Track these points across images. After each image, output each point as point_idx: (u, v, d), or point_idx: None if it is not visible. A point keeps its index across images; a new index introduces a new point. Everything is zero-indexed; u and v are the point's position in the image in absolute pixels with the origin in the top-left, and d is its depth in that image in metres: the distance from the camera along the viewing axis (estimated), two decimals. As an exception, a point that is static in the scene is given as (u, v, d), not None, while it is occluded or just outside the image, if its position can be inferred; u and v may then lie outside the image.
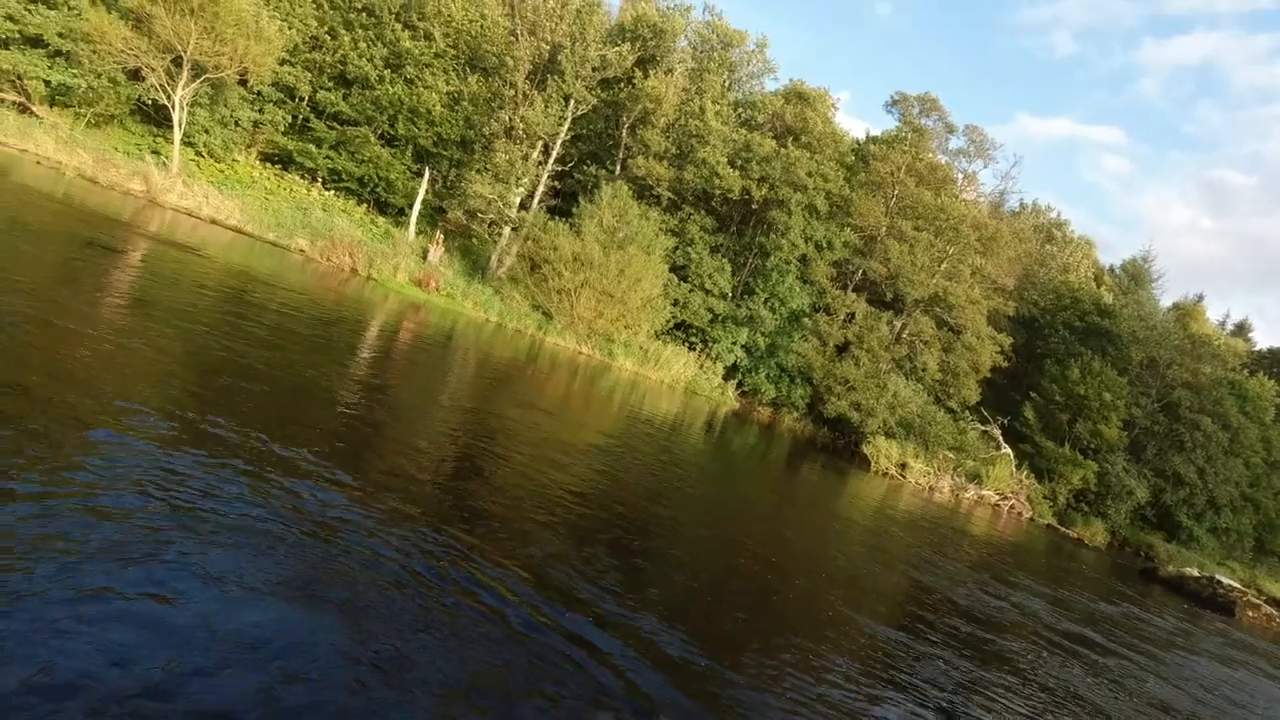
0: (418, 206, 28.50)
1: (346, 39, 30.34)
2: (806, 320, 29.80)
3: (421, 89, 30.33)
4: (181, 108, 24.98)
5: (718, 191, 29.41)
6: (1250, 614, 18.52)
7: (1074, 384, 28.73)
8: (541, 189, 28.12)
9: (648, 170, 29.46)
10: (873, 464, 24.20)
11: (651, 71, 30.43)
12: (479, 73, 30.94)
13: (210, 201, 23.19)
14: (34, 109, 24.87)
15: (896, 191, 30.64)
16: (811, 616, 6.67)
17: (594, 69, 27.42)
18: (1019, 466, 27.14)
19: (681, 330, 29.31)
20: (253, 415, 6.26)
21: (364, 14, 31.13)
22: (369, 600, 4.01)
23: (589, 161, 31.49)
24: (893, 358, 29.57)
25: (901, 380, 28.51)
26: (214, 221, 22.46)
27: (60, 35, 24.54)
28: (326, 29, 30.68)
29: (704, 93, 31.41)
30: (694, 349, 28.56)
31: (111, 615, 3.14)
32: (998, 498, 25.70)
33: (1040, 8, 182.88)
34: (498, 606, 4.44)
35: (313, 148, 30.51)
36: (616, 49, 28.18)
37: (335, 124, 30.98)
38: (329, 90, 30.68)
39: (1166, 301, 41.06)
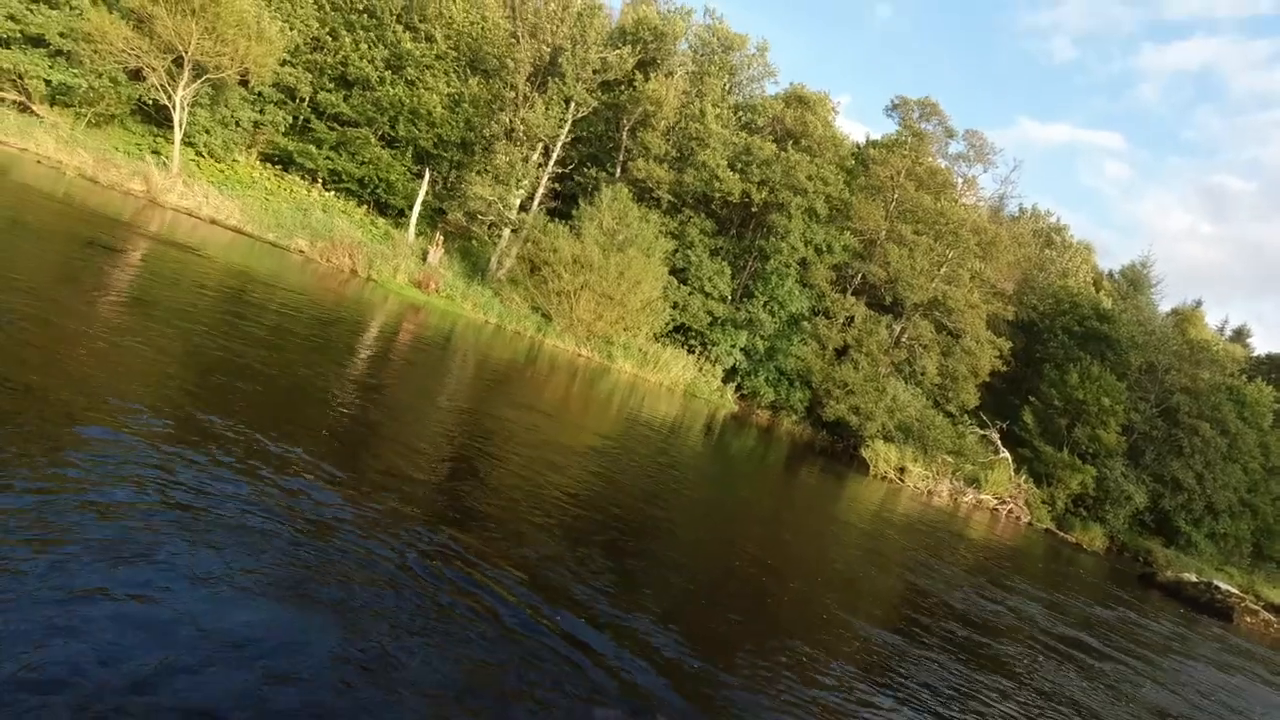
0: (418, 208, 28.53)
1: (348, 40, 30.39)
2: (806, 324, 29.81)
3: (422, 90, 30.38)
4: (182, 108, 25.01)
5: (718, 194, 29.44)
6: (1248, 620, 18.50)
7: (1073, 389, 28.74)
8: (541, 191, 28.15)
9: (648, 173, 29.49)
10: (871, 468, 24.18)
11: (652, 74, 30.48)
12: (480, 75, 30.99)
13: (210, 202, 23.21)
14: (35, 108, 24.91)
15: (896, 195, 30.67)
16: (807, 619, 6.66)
17: (595, 71, 27.47)
18: (1017, 471, 27.13)
19: (681, 333, 29.31)
20: (250, 415, 6.26)
21: (365, 15, 31.20)
22: (362, 600, 4.01)
23: (589, 164, 31.53)
24: (892, 361, 29.57)
25: (900, 384, 28.51)
26: (214, 222, 22.48)
27: (61, 35, 24.58)
28: (328, 30, 30.73)
29: (704, 96, 31.46)
30: (693, 352, 28.56)
31: (102, 613, 3.14)
32: (996, 502, 25.69)
33: (1040, 12, 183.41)
34: (493, 606, 4.43)
35: (313, 148, 30.55)
36: (617, 52, 28.24)
37: (336, 125, 31.03)
38: (330, 91, 30.72)
39: (1165, 307, 41.09)
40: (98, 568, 3.42)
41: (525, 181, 27.35)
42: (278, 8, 28.84)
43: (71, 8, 24.74)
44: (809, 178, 28.99)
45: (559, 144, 27.69)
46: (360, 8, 31.22)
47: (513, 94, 26.92)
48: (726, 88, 34.02)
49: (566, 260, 25.08)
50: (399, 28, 31.02)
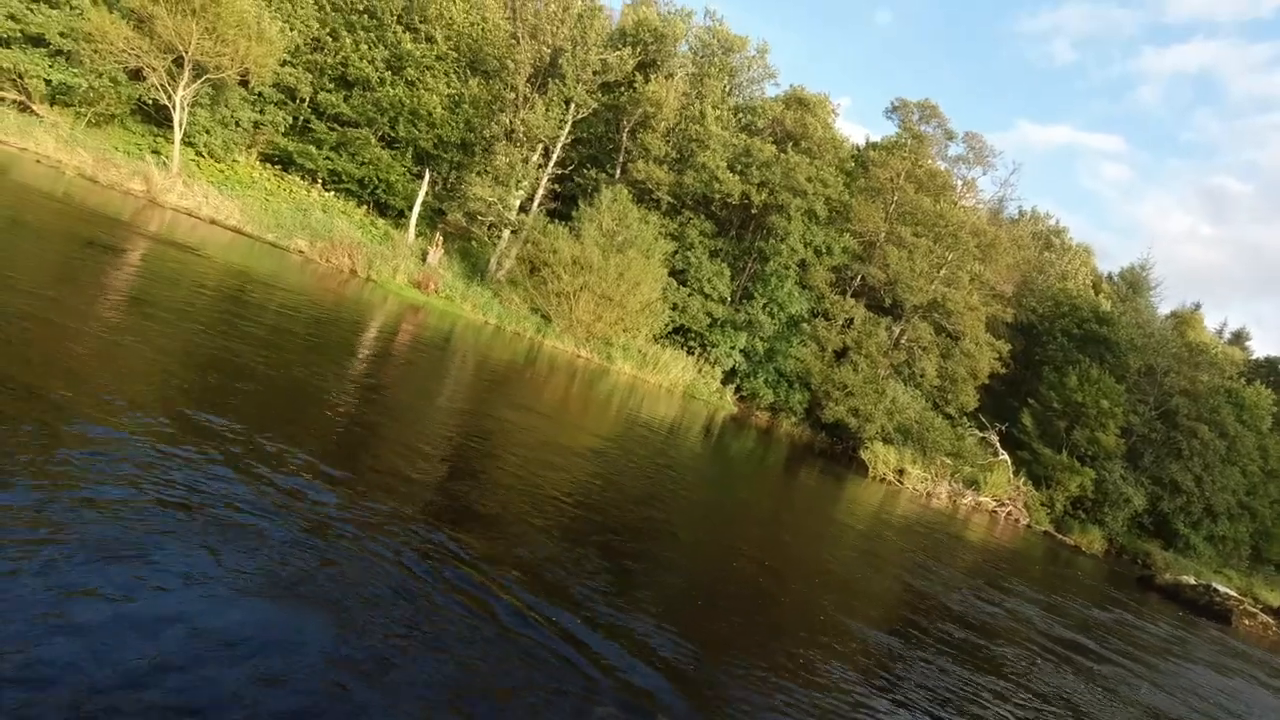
0: (417, 208, 28.52)
1: (348, 41, 30.40)
2: (805, 325, 29.82)
3: (422, 91, 30.39)
4: (182, 108, 25.01)
5: (717, 196, 29.46)
6: (1246, 622, 18.50)
7: (1072, 391, 28.75)
8: (541, 192, 28.15)
9: (648, 174, 29.51)
10: (870, 469, 24.19)
11: (652, 76, 30.49)
12: (480, 76, 31.01)
13: (210, 202, 23.20)
14: (34, 108, 24.90)
15: (896, 197, 30.69)
16: (806, 621, 6.66)
17: (595, 73, 27.49)
18: (1016, 473, 27.14)
19: (680, 334, 29.32)
20: (247, 414, 6.26)
21: (365, 16, 31.20)
22: (358, 600, 4.00)
23: (589, 165, 31.54)
24: (891, 363, 29.58)
25: (900, 386, 28.52)
26: (213, 222, 22.47)
27: (62, 35, 24.58)
28: (328, 30, 30.74)
29: (704, 97, 31.49)
30: (692, 353, 28.56)
31: (94, 611, 3.14)
32: (995, 504, 25.69)
33: (1041, 16, 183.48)
34: (490, 606, 4.43)
35: (313, 149, 30.54)
36: (617, 53, 28.25)
37: (336, 125, 31.02)
38: (330, 92, 30.73)
39: (1165, 309, 41.14)
40: (91, 566, 3.42)
41: (525, 182, 27.36)
42: (278, 8, 28.84)
43: (72, 7, 24.74)
44: (809, 179, 29.01)
45: (559, 145, 27.70)
46: (361, 8, 31.23)
47: (513, 95, 26.94)
48: (726, 89, 34.05)
49: (566, 261, 25.09)
50: (399, 28, 31.03)
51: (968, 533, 18.92)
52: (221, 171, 27.50)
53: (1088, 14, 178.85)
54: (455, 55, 31.61)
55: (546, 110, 26.52)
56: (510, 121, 26.67)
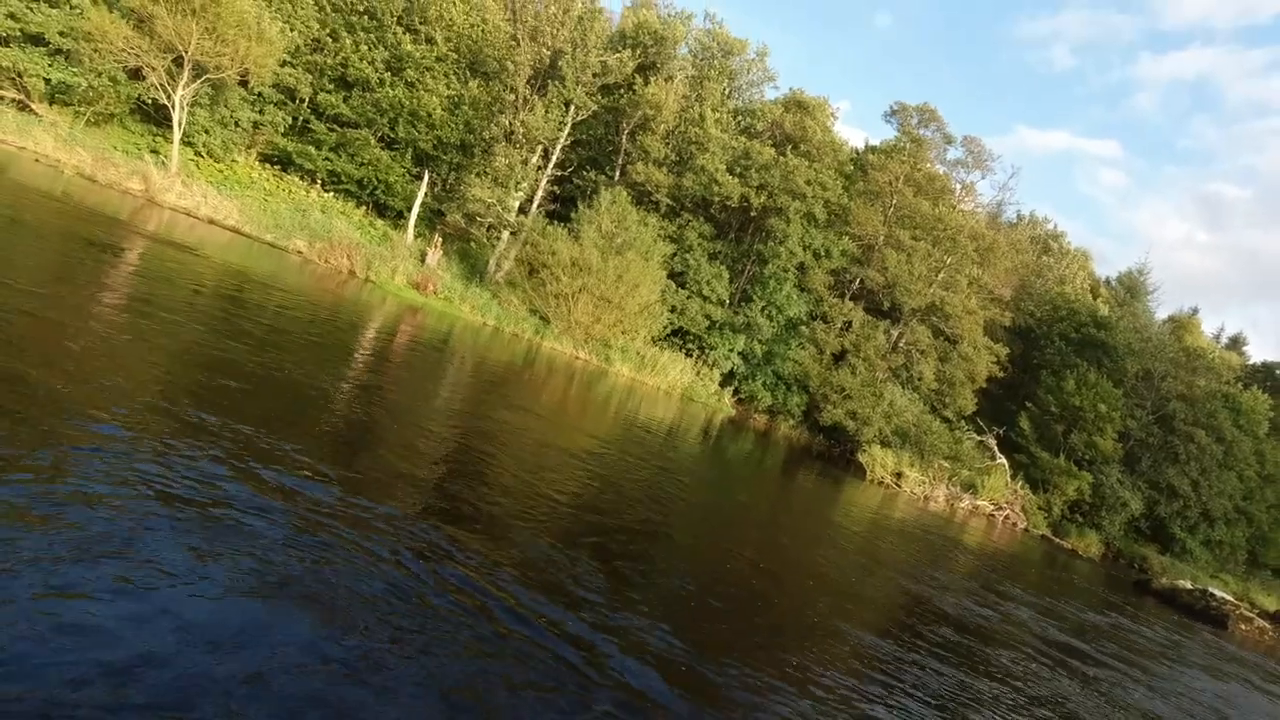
0: (416, 209, 28.51)
1: (348, 41, 30.41)
2: (803, 328, 29.84)
3: (422, 92, 30.40)
4: (181, 107, 25.00)
5: (716, 198, 29.49)
6: (1243, 627, 18.53)
7: (1069, 395, 28.79)
8: (540, 194, 28.16)
9: (647, 176, 29.53)
10: (868, 472, 24.20)
11: (652, 78, 30.53)
12: (480, 77, 31.02)
13: (209, 201, 23.18)
14: (33, 107, 24.87)
15: (894, 201, 30.74)
16: (801, 623, 6.66)
17: (595, 75, 27.52)
18: (1014, 477, 27.16)
19: (679, 337, 29.32)
20: (243, 413, 6.25)
21: (366, 17, 31.22)
22: (350, 598, 4.00)
23: (588, 167, 31.56)
24: (889, 366, 29.60)
25: (898, 389, 28.54)
26: (212, 221, 22.46)
27: (61, 34, 24.56)
28: (328, 31, 30.74)
29: (704, 100, 31.53)
30: (691, 355, 28.57)
31: (81, 605, 3.14)
32: (992, 508, 25.70)
33: (1040, 21, 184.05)
34: (485, 605, 4.43)
35: (312, 149, 30.53)
36: (617, 55, 28.29)
37: (335, 126, 31.01)
38: (329, 92, 30.72)
39: (1162, 314, 41.24)
40: (80, 560, 3.42)
41: (524, 184, 27.37)
42: (278, 8, 28.84)
43: (72, 7, 24.73)
44: (808, 182, 29.05)
45: (558, 147, 27.71)
46: (361, 9, 31.24)
47: (512, 96, 26.95)
48: (726, 92, 34.09)
49: (565, 263, 25.09)
50: (399, 29, 31.04)
51: (965, 536, 18.93)
52: (220, 171, 27.48)
53: (1086, 20, 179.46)
54: (455, 57, 31.63)
55: (546, 112, 26.54)
56: (510, 123, 26.68)
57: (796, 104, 33.29)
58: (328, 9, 30.83)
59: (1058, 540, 26.58)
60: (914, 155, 31.79)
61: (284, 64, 28.45)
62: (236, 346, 8.57)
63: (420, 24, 31.56)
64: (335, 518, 4.91)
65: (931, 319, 30.48)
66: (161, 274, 12.16)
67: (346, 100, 30.80)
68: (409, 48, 30.63)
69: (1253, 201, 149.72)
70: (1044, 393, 29.95)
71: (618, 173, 31.33)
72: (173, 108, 24.88)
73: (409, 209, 29.01)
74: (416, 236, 28.07)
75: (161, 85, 24.62)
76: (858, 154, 35.40)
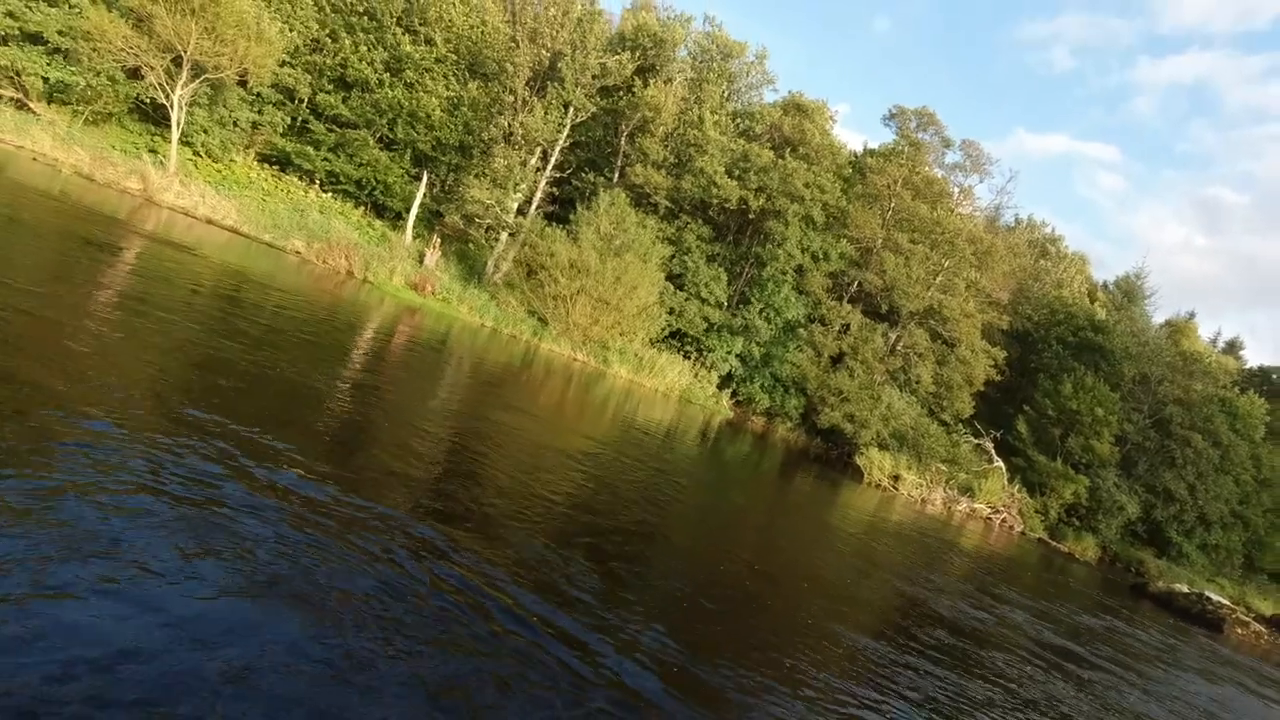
0: (415, 210, 28.52)
1: (347, 42, 30.42)
2: (801, 331, 29.87)
3: (421, 93, 30.41)
4: (180, 107, 24.99)
5: (715, 201, 29.52)
6: (1239, 631, 18.56)
7: (1067, 399, 28.84)
8: (539, 195, 28.18)
9: (646, 178, 29.56)
10: (865, 475, 24.21)
11: (651, 80, 30.57)
12: (479, 78, 31.04)
13: (207, 201, 23.16)
14: (32, 106, 24.85)
15: (893, 204, 30.79)
16: (797, 625, 6.66)
17: (594, 77, 27.55)
18: (1011, 480, 27.19)
19: (677, 339, 29.33)
20: (239, 412, 6.24)
21: (365, 18, 31.23)
22: (342, 597, 3.99)
23: (587, 169, 31.59)
24: (887, 369, 29.63)
25: (895, 392, 28.57)
26: (210, 221, 22.44)
27: (60, 33, 24.54)
28: (327, 32, 30.75)
29: (703, 102, 31.57)
30: (689, 358, 28.57)
31: (70, 603, 3.13)
32: (989, 511, 25.72)
33: (1039, 24, 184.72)
34: (480, 604, 4.42)
35: (311, 150, 30.53)
36: (616, 57, 28.33)
37: (334, 126, 31.01)
38: (328, 93, 30.73)
39: (1159, 318, 41.31)
40: (70, 555, 3.41)
41: (523, 185, 27.38)
42: (277, 9, 28.85)
43: (70, 5, 24.71)
44: (806, 185, 29.09)
45: (557, 148, 27.74)
46: (360, 10, 31.26)
47: (512, 98, 26.97)
48: (725, 95, 34.14)
49: (563, 265, 25.10)
50: (399, 30, 31.06)
51: (962, 539, 18.94)
52: (219, 171, 27.47)
53: (1085, 24, 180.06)
54: (454, 58, 31.66)
55: (545, 114, 26.57)
56: (509, 124, 26.71)
57: (795, 107, 33.35)
58: (327, 9, 30.85)
59: (1054, 543, 26.60)
60: (912, 159, 31.85)
61: (283, 64, 28.45)
62: (232, 346, 8.56)
63: (420, 25, 31.58)
64: (328, 516, 4.91)
65: (929, 322, 30.52)
66: (159, 273, 12.14)
67: (345, 101, 30.81)
68: (408, 49, 30.64)
69: (1251, 207, 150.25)
70: (1041, 396, 30.00)
71: (616, 174, 31.36)
72: (171, 107, 24.87)
73: (407, 210, 29.01)
74: (415, 237, 28.07)
75: (160, 85, 24.61)
76: (856, 157, 35.46)
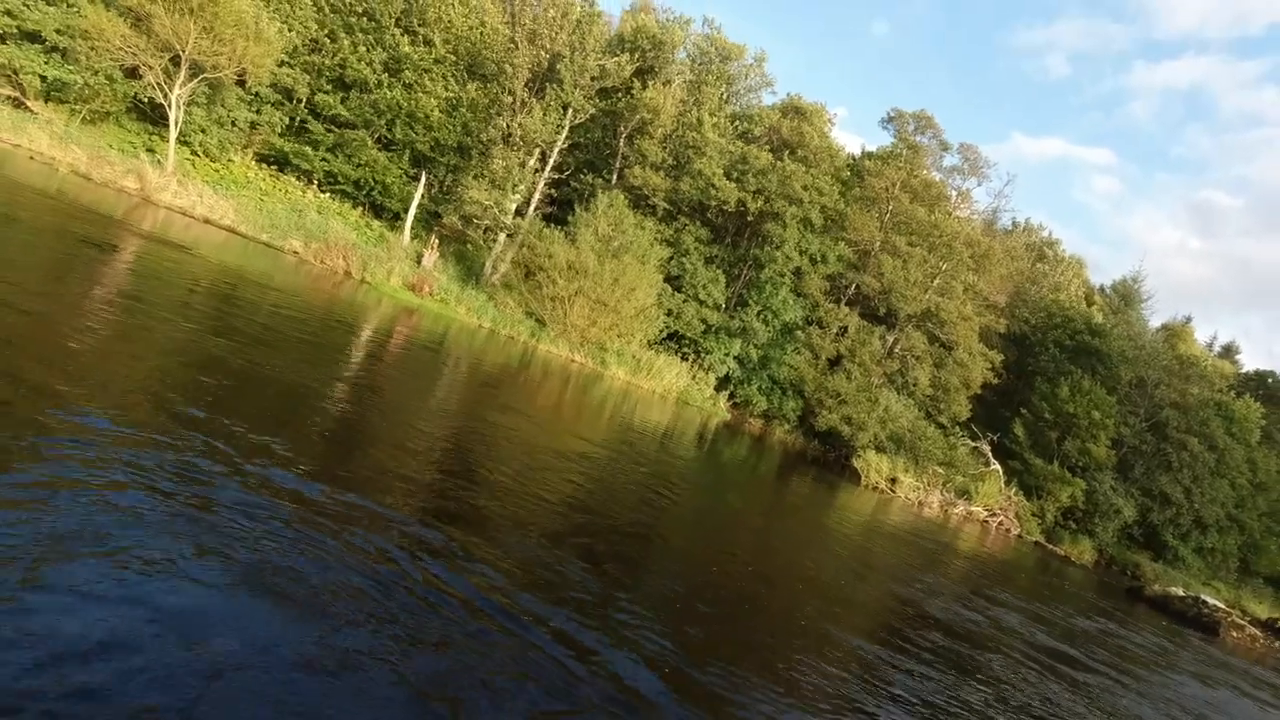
0: (413, 211, 28.50)
1: (346, 42, 30.41)
2: (799, 333, 29.89)
3: (420, 94, 30.41)
4: (178, 106, 24.95)
5: (713, 203, 29.54)
6: (1234, 634, 18.58)
7: (1063, 402, 28.89)
8: (538, 196, 28.18)
9: (644, 180, 29.58)
10: (863, 478, 24.22)
11: (650, 82, 30.62)
12: (478, 79, 31.05)
13: (204, 201, 23.12)
14: (29, 104, 24.79)
15: (891, 207, 30.85)
16: (792, 627, 6.65)
17: (593, 78, 27.56)
18: (1008, 483, 27.21)
19: (674, 340, 29.33)
20: (234, 411, 6.23)
21: (364, 18, 31.23)
22: (334, 594, 3.98)
23: (586, 170, 31.60)
24: (884, 372, 29.66)
25: (893, 395, 28.60)
26: (208, 221, 22.40)
27: (58, 31, 24.50)
28: (326, 32, 30.74)
29: (701, 104, 31.61)
30: (687, 359, 28.57)
31: (56, 599, 3.12)
32: (986, 514, 25.75)
33: (1036, 30, 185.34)
34: (473, 602, 4.41)
35: (309, 150, 30.50)
36: (615, 59, 28.35)
37: (333, 127, 30.99)
38: (327, 93, 30.71)
39: (1156, 322, 41.43)
40: (57, 552, 3.39)
41: (521, 187, 27.38)
42: (276, 9, 28.84)
43: (69, 4, 24.67)
44: (804, 188, 29.13)
45: (556, 150, 27.75)
46: (359, 10, 31.25)
47: (510, 99, 26.97)
48: (724, 97, 34.19)
49: (561, 266, 25.10)
50: (398, 31, 31.06)
51: (959, 542, 18.95)
52: (217, 171, 27.43)
53: (1082, 29, 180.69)
54: (453, 59, 31.66)
55: (544, 115, 26.58)
56: (507, 125, 26.71)
57: (794, 109, 33.41)
58: (326, 10, 30.84)
59: (1051, 546, 26.63)
60: (910, 162, 31.91)
61: (281, 64, 28.43)
62: (228, 345, 8.54)
63: (419, 26, 31.59)
64: (321, 514, 4.89)
65: (927, 325, 30.57)
66: (155, 272, 12.12)
67: (344, 101, 30.79)
68: (407, 49, 30.64)
69: (1245, 211, 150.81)
70: (1038, 399, 30.05)
71: (615, 176, 31.37)
72: (169, 106, 24.83)
73: (406, 210, 28.99)
74: (413, 238, 28.05)
75: (158, 84, 24.58)
76: (854, 160, 35.52)
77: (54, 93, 25.36)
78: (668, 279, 28.86)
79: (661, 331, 28.25)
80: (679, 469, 13.51)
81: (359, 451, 6.84)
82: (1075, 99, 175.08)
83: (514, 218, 27.62)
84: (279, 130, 30.37)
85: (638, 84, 30.25)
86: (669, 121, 30.33)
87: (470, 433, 9.59)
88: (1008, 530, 25.96)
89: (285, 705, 3.03)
